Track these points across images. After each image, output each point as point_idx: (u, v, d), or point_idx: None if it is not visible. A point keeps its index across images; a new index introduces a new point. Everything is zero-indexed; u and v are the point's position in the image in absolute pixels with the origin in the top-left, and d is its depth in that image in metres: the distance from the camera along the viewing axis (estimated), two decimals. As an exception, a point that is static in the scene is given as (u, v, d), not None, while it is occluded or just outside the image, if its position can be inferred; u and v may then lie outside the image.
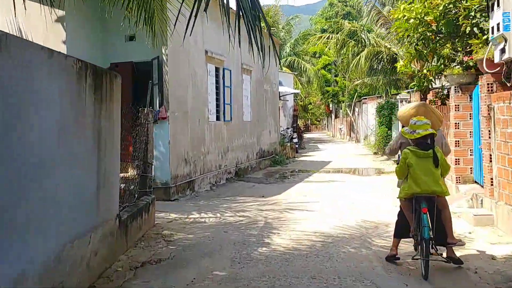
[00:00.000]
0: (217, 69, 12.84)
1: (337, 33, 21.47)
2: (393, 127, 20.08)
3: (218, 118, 12.87)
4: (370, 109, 30.91)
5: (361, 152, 24.87)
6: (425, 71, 10.91)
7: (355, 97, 35.97)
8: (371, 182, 13.01)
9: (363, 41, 19.58)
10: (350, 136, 39.87)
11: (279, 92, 26.22)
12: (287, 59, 33.42)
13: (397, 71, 12.49)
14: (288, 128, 25.87)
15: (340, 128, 45.18)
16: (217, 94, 12.88)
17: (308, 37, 37.13)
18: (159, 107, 10.23)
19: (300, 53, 36.46)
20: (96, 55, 11.34)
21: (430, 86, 10.93)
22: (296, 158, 21.17)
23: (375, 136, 27.08)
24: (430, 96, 11.84)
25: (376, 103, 28.69)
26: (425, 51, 9.96)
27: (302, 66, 33.89)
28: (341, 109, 45.79)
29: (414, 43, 10.01)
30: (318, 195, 10.64)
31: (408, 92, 18.43)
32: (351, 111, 36.78)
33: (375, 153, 22.63)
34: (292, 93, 26.44)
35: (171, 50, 10.21)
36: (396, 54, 19.22)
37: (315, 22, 50.55)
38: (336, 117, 50.71)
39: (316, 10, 58.00)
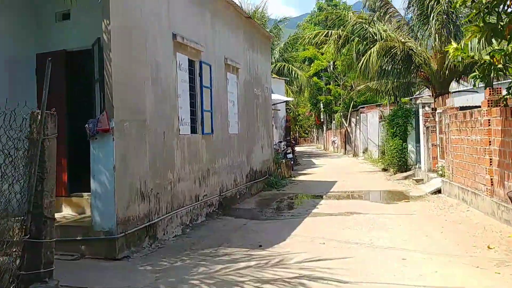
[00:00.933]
0: (191, 63, 9.34)
1: (338, 28, 18.11)
2: (409, 138, 16.75)
3: (194, 131, 9.33)
4: (371, 119, 27.68)
5: (365, 169, 21.49)
6: (487, 57, 7.55)
7: (351, 106, 32.78)
8: (403, 213, 9.56)
9: (371, 36, 16.29)
10: (345, 149, 36.60)
11: (270, 100, 22.87)
12: (276, 65, 30.14)
13: (449, 56, 9.14)
14: (280, 142, 22.44)
15: (333, 141, 41.93)
16: (192, 97, 9.37)
17: (298, 40, 34.01)
18: (99, 114, 6.67)
19: (289, 59, 33.25)
20: (21, 43, 7.81)
21: (498, 78, 7.64)
22: (293, 178, 17.66)
23: (381, 149, 23.79)
24: (487, 95, 8.51)
25: (379, 112, 25.46)
26: (501, 24, 6.63)
27: (293, 72, 30.64)
28: (334, 120, 42.59)
29: (483, 12, 6.66)
30: (343, 244, 7.12)
31: (433, 95, 15.15)
32: (347, 122, 33.55)
33: (384, 170, 19.27)
34: (284, 101, 23.08)
35: (118, 30, 6.70)
36: (412, 50, 15.96)
37: (303, 28, 47.56)
38: (328, 128, 47.52)
39: (296, 23, 55.17)
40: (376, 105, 30.63)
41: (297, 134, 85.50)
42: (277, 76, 25.21)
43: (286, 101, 23.06)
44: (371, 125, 27.55)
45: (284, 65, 30.80)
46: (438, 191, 12.03)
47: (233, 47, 12.06)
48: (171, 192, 8.02)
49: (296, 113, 64.15)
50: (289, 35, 34.25)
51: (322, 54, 34.27)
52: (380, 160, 23.36)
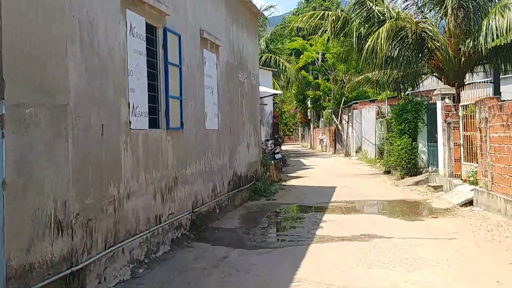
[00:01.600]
0: (152, 29, 6.65)
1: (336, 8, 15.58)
2: (420, 136, 14.34)
3: (154, 124, 6.65)
4: (366, 115, 25.30)
5: (363, 171, 19.06)
6: None
7: (342, 102, 30.37)
8: (440, 236, 7.06)
9: (377, 15, 13.76)
10: (335, 148, 34.22)
11: (256, 93, 20.38)
12: (261, 56, 27.51)
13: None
14: (268, 140, 19.87)
15: (321, 139, 39.54)
16: (153, 77, 6.69)
17: (286, 29, 31.52)
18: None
19: (276, 51, 30.66)
20: None
21: None
22: (284, 182, 15.10)
23: (379, 148, 21.42)
24: None
25: (375, 108, 23.09)
26: None
27: (281, 65, 28.07)
28: (322, 117, 40.20)
29: None
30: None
31: (455, 85, 12.74)
32: (338, 119, 31.15)
33: (387, 172, 16.85)
34: (271, 95, 20.49)
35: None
36: (426, 32, 13.52)
37: (289, 20, 44.99)
38: (315, 126, 45.13)
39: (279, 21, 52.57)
40: (370, 100, 28.30)
41: (281, 133, 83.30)
42: (263, 67, 22.61)
43: (274, 95, 20.48)
44: (366, 122, 25.18)
45: (271, 56, 28.20)
46: (469, 202, 9.59)
47: (212, 17, 9.39)
48: (115, 216, 5.33)
49: (282, 110, 61.83)
50: (276, 25, 31.57)
51: (311, 45, 31.79)
52: (379, 161, 20.98)
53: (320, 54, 32.27)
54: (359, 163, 23.31)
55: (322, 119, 40.14)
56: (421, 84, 18.57)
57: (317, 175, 17.83)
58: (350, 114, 28.99)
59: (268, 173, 14.33)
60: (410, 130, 14.27)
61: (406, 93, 18.13)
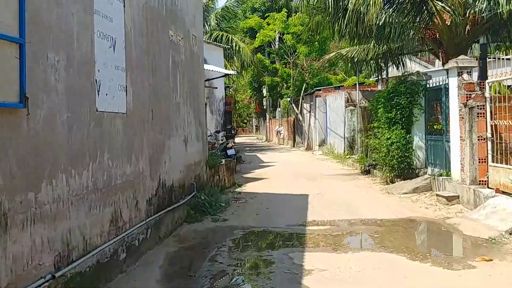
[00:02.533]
0: None
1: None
2: (416, 127, 11.00)
3: None
4: (332, 104, 21.97)
5: (334, 169, 15.68)
6: None
7: (303, 89, 26.94)
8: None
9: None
10: (294, 141, 30.87)
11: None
12: (211, 34, 23.53)
13: None
14: (218, 132, 16.04)
15: (278, 131, 36.13)
16: None
17: (239, 7, 27.68)
18: None
19: (228, 29, 26.70)
20: None
21: None
22: (239, 188, 11.34)
23: (348, 141, 18.16)
24: None
25: (345, 94, 19.77)
26: None
27: (234, 44, 24.18)
28: (279, 107, 36.75)
29: None
30: None
31: (478, 57, 9.38)
32: (298, 108, 27.71)
33: (366, 172, 13.53)
34: (223, 75, 16.61)
35: None
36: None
37: None
38: (271, 117, 41.68)
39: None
40: (334, 87, 25.07)
41: (235, 124, 79.49)
42: (213, 43, 18.65)
43: (227, 75, 16.61)
44: (332, 112, 21.87)
45: (222, 34, 24.24)
46: (524, 228, 6.25)
47: None
48: None
49: (236, 99, 58.04)
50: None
51: (269, 24, 28.10)
52: (350, 157, 17.71)
53: (278, 34, 28.63)
54: (325, 159, 19.97)
55: (279, 109, 36.73)
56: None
57: (280, 175, 14.22)
58: (312, 102, 25.64)
59: (218, 177, 10.54)
60: (403, 119, 10.90)
61: (387, 75, 14.78)
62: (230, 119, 18.20)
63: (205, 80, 16.26)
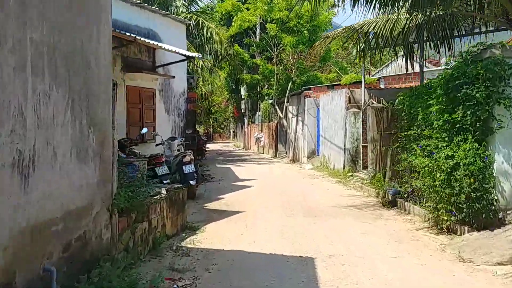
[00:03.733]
0: None
1: None
2: (499, 139, 6.42)
3: None
4: (326, 106, 17.40)
5: (340, 195, 10.98)
6: None
7: (288, 88, 22.31)
8: None
9: None
10: (275, 149, 26.19)
11: (153, 52, 11.72)
12: (179, 15, 18.72)
13: None
14: (172, 140, 11.12)
15: (257, 138, 31.43)
16: None
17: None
18: None
19: (200, 14, 21.92)
20: None
21: None
22: (192, 240, 6.47)
23: (350, 154, 13.67)
24: None
25: (346, 93, 15.21)
26: None
27: (205, 30, 19.45)
28: (259, 110, 32.09)
29: None
30: None
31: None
32: (282, 111, 23.03)
33: (391, 204, 8.92)
34: (184, 59, 11.73)
35: None
36: None
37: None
38: (250, 122, 36.97)
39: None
40: (327, 86, 20.54)
41: (211, 129, 74.46)
42: (171, 15, 13.80)
43: (189, 59, 11.70)
44: (326, 115, 17.27)
45: (191, 16, 19.46)
46: None
47: None
48: None
49: (210, 103, 53.20)
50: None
51: (248, 9, 23.40)
52: (352, 175, 13.19)
53: (260, 20, 23.94)
54: (319, 175, 15.33)
55: (260, 113, 32.08)
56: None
57: (262, 205, 9.46)
58: (299, 105, 21.04)
59: (147, 225, 5.72)
60: (476, 124, 6.31)
61: (421, 59, 10.20)
62: (194, 122, 13.36)
63: (158, 66, 11.52)
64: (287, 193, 11.19)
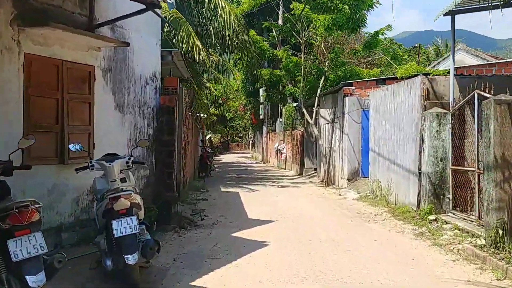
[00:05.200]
0: None
1: None
2: None
3: None
4: (383, 105, 11.65)
5: (450, 275, 5.33)
6: None
7: (320, 86, 16.70)
8: None
9: None
10: (300, 165, 20.64)
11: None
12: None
13: None
14: (115, 159, 5.56)
15: (278, 150, 25.86)
16: None
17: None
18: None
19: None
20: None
21: None
22: None
23: (430, 180, 7.79)
24: None
25: (422, 84, 9.50)
26: None
27: (207, 1, 14.14)
28: (280, 116, 26.53)
29: None
30: None
31: None
32: (312, 117, 17.37)
33: None
34: (144, 8, 6.41)
35: None
36: None
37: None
38: (270, 130, 31.44)
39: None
40: (376, 80, 14.89)
41: (228, 138, 69.16)
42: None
43: (154, 6, 6.31)
44: (383, 120, 11.56)
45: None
46: None
47: None
48: None
49: (227, 109, 47.97)
50: None
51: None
52: (439, 219, 7.44)
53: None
54: (373, 212, 9.65)
55: (281, 119, 26.54)
56: None
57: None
58: (336, 106, 15.41)
59: None
60: None
61: None
62: (171, 126, 7.84)
63: (100, 25, 6.13)
64: (338, 269, 5.57)
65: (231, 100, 45.55)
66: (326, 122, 16.76)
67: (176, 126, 8.33)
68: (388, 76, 15.46)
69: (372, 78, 15.66)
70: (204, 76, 23.53)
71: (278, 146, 26.67)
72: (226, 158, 40.88)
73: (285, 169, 24.53)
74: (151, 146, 7.76)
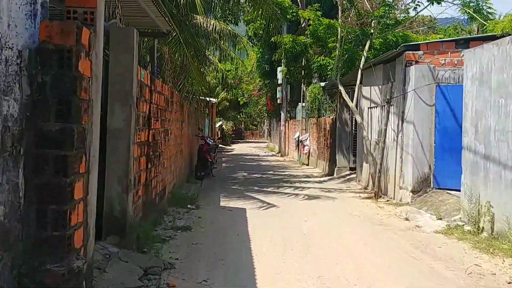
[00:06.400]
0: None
1: None
2: None
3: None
4: (505, 71, 6.52)
5: None
6: None
7: (365, 52, 11.72)
8: None
9: None
10: (331, 162, 15.76)
11: None
12: None
13: None
14: None
15: (300, 141, 20.95)
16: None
17: None
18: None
19: None
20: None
21: None
22: None
23: None
24: None
25: None
26: None
27: None
28: (303, 100, 21.52)
29: None
30: None
31: None
32: (355, 96, 12.33)
33: None
34: None
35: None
36: None
37: None
38: (288, 117, 26.55)
39: None
40: (454, 40, 9.92)
41: (242, 126, 64.23)
42: None
43: None
44: (496, 96, 6.59)
45: None
46: None
47: None
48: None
49: (240, 93, 43.16)
50: None
51: None
52: None
53: None
54: (492, 276, 4.85)
55: (303, 103, 21.55)
56: None
57: None
58: (392, 82, 10.38)
59: None
60: None
61: None
62: (67, 99, 3.06)
63: None
64: None
65: (244, 83, 40.67)
66: (373, 105, 11.81)
67: (91, 100, 3.53)
68: (473, 36, 10.44)
69: (449, 39, 10.61)
70: (209, 51, 18.94)
71: (299, 136, 21.79)
72: (238, 148, 36.18)
73: (307, 165, 19.68)
74: (13, 144, 3.01)
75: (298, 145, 22.12)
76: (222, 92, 43.67)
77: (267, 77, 28.62)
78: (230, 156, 25.58)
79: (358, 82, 11.66)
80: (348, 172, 14.48)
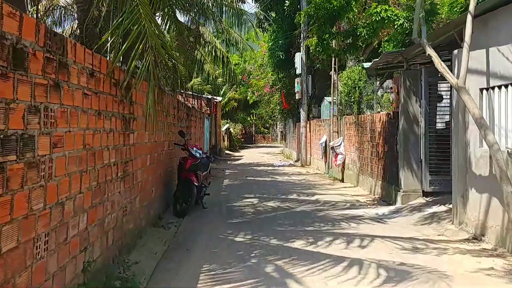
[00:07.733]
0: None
1: None
2: None
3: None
4: None
5: None
6: None
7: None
8: None
9: None
10: (383, 181, 10.05)
11: None
12: None
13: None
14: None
15: (332, 148, 15.25)
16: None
17: None
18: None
19: None
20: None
21: None
22: None
23: None
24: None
25: None
26: None
27: None
28: (331, 93, 15.83)
29: None
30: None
31: None
32: (459, 70, 6.79)
33: None
34: None
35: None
36: None
37: None
38: (309, 118, 20.92)
39: None
40: None
41: (253, 129, 58.49)
42: None
43: None
44: None
45: None
46: None
47: None
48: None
49: (249, 91, 37.76)
50: None
51: None
52: None
53: None
54: None
55: (333, 97, 15.85)
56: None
57: None
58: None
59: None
60: None
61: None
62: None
63: None
64: None
65: (254, 79, 35.17)
66: (497, 82, 6.17)
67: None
68: None
69: None
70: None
71: (326, 141, 16.19)
72: (247, 155, 30.59)
73: (342, 181, 14.08)
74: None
75: (325, 152, 16.53)
76: (230, 91, 38.19)
77: (282, 69, 23.08)
78: (237, 167, 20.05)
79: (467, 37, 6.00)
80: (423, 201, 8.83)
